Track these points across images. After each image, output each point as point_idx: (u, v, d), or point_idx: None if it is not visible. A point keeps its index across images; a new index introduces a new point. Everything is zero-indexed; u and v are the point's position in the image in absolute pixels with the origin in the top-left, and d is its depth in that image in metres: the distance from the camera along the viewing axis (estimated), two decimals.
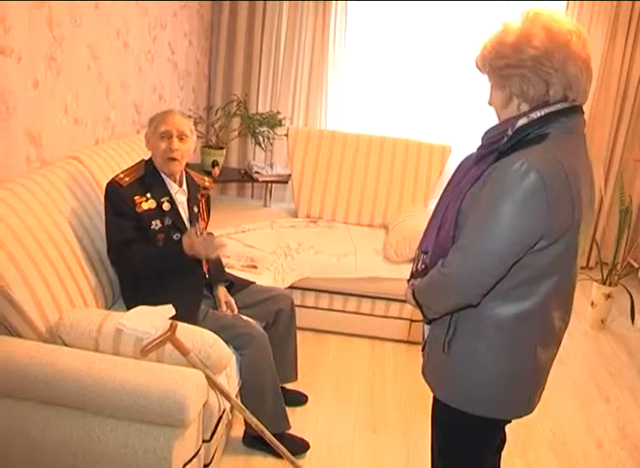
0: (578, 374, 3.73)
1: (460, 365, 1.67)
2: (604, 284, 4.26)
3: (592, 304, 4.33)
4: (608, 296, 4.24)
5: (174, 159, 2.60)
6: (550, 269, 1.55)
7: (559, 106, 1.53)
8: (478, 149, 1.64)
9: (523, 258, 1.51)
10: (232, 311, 2.71)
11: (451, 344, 1.66)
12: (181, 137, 2.61)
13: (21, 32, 2.50)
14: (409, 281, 1.83)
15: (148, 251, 2.55)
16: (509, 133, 1.54)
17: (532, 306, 1.58)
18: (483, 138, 1.62)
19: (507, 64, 1.53)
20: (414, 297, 1.75)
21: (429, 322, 1.79)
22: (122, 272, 2.69)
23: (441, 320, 1.70)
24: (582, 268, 5.20)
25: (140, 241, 2.55)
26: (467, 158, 1.71)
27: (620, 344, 4.16)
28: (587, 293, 4.43)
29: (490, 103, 1.66)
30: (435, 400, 1.80)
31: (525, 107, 1.56)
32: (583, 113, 1.59)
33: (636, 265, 4.57)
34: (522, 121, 1.53)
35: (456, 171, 1.73)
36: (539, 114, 1.52)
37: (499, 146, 1.56)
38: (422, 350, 1.88)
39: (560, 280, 1.58)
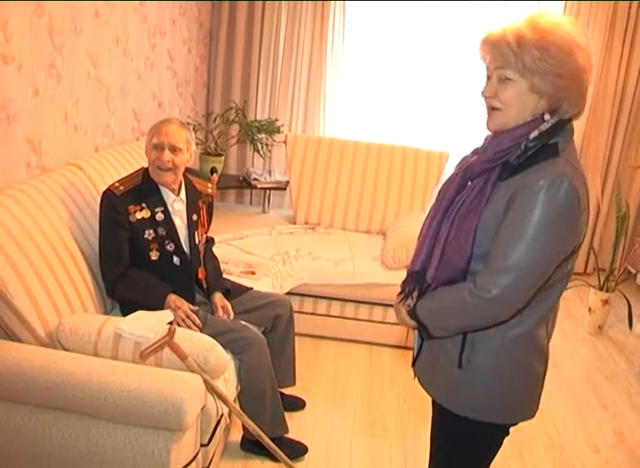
0: (575, 380, 3.74)
1: (479, 379, 1.65)
2: (601, 290, 4.27)
3: (590, 310, 4.34)
4: (605, 302, 4.26)
5: (164, 170, 2.60)
6: (561, 276, 1.58)
7: (561, 115, 1.54)
8: (483, 163, 1.59)
9: None
10: (228, 315, 2.73)
11: (469, 360, 1.64)
12: (174, 150, 2.60)
13: (22, 40, 2.52)
14: (400, 302, 1.80)
15: (133, 284, 2.60)
16: (522, 147, 1.53)
17: (545, 313, 1.61)
18: (488, 151, 1.58)
19: (558, 73, 1.47)
20: (413, 317, 1.71)
21: (431, 338, 1.73)
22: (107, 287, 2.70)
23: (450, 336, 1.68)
24: (580, 274, 5.22)
25: (122, 264, 2.59)
26: (458, 171, 1.68)
27: (617, 350, 4.18)
28: (585, 299, 4.45)
29: (492, 95, 1.55)
30: (444, 411, 1.76)
31: (543, 108, 1.52)
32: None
33: (633, 271, 4.59)
34: (534, 134, 1.52)
35: (446, 185, 1.69)
36: (547, 126, 1.52)
37: (507, 160, 1.55)
38: (413, 365, 1.86)
39: (563, 285, 1.62)
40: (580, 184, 1.47)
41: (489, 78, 1.57)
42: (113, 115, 3.47)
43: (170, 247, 2.66)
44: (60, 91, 2.87)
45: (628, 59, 4.97)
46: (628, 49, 4.94)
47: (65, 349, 2.26)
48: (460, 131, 5.11)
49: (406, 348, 3.82)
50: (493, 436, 1.75)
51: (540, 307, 1.59)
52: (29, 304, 2.19)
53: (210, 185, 2.93)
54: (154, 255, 2.63)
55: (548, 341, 1.69)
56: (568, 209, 1.45)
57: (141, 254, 2.62)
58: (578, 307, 4.65)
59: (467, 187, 1.62)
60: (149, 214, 2.61)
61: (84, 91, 3.09)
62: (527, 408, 1.73)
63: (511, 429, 1.76)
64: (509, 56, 1.49)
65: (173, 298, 2.57)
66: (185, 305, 2.57)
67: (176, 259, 2.68)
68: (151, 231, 2.61)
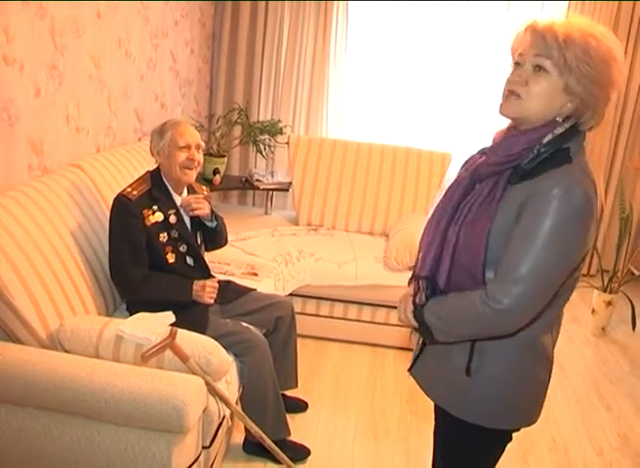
0: (578, 382, 3.72)
1: (486, 386, 1.63)
2: (605, 291, 4.26)
3: (593, 311, 4.32)
4: (609, 304, 4.24)
5: (192, 168, 2.67)
6: (570, 283, 1.56)
7: (574, 121, 1.52)
8: (492, 165, 1.56)
9: None
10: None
11: (477, 368, 1.61)
12: (198, 148, 2.69)
13: (24, 41, 2.52)
14: (415, 305, 1.73)
15: (157, 282, 2.60)
16: (535, 151, 1.50)
17: (553, 319, 1.61)
18: (498, 154, 1.55)
19: (593, 79, 1.45)
20: (417, 318, 1.68)
21: (433, 342, 1.69)
22: (124, 293, 2.70)
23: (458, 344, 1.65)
24: (583, 275, 5.20)
25: (144, 266, 2.58)
26: (465, 173, 1.64)
27: (620, 351, 4.16)
28: (588, 301, 4.43)
29: (522, 82, 1.50)
30: (448, 416, 1.72)
31: (568, 111, 1.51)
32: None
33: (637, 273, 4.57)
34: (547, 138, 1.50)
35: (453, 186, 1.65)
36: (561, 130, 1.50)
37: (519, 163, 1.51)
38: (409, 370, 1.84)
39: (570, 291, 1.60)
40: (593, 192, 1.45)
41: (519, 65, 1.52)
42: (115, 116, 3.47)
43: (182, 248, 2.67)
44: (62, 92, 2.86)
45: (632, 60, 4.95)
46: (632, 49, 4.93)
47: (66, 351, 2.26)
48: (462, 132, 5.10)
49: (409, 350, 3.77)
50: (496, 441, 1.74)
51: (547, 314, 1.56)
52: (30, 305, 2.19)
53: (205, 189, 2.98)
54: (171, 258, 2.64)
55: (553, 347, 1.67)
56: (581, 218, 1.42)
57: (159, 258, 2.62)
58: (581, 309, 4.63)
59: (475, 190, 1.58)
60: (162, 217, 2.62)
61: (86, 92, 3.09)
62: (531, 414, 1.72)
63: (515, 433, 1.76)
64: (553, 47, 1.45)
65: (198, 283, 2.63)
66: (209, 281, 2.67)
67: (189, 260, 2.71)
68: (165, 234, 2.62)
